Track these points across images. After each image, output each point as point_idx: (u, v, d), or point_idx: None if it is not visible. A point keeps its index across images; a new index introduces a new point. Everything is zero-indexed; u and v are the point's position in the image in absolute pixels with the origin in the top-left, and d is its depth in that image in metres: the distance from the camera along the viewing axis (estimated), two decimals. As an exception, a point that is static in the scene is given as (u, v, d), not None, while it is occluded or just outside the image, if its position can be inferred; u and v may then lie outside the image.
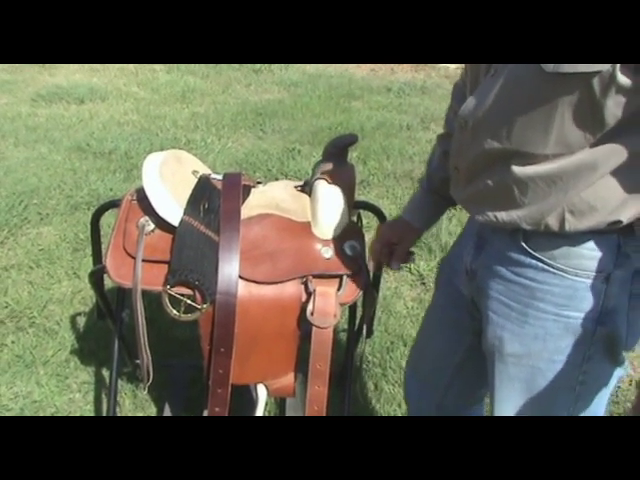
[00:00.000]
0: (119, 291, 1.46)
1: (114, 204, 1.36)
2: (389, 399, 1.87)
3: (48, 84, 4.41)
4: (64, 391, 1.87)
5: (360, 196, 2.55)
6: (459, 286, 1.11)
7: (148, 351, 1.28)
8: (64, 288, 2.29)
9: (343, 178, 1.28)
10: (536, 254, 0.90)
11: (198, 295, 1.19)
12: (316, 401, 1.23)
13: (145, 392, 1.83)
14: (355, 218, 1.39)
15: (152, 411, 1.82)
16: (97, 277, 1.38)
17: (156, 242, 1.22)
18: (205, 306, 1.18)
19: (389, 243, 1.22)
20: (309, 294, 1.21)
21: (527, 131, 0.82)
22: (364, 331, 1.65)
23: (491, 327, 1.00)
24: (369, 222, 2.29)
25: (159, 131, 3.68)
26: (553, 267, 0.89)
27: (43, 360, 1.96)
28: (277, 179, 3.03)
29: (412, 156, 3.40)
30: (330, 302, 1.21)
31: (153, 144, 3.45)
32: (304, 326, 1.24)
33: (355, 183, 1.31)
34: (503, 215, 0.90)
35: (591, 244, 0.86)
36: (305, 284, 1.22)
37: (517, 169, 0.85)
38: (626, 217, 0.83)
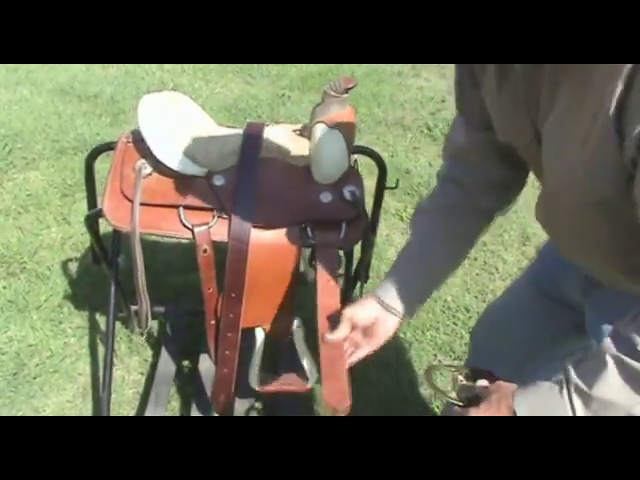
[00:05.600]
0: (114, 235, 1.45)
1: (109, 147, 1.34)
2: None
3: (27, 24, 4.24)
4: (59, 335, 1.87)
5: (352, 143, 2.53)
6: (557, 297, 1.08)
7: (147, 295, 1.29)
8: (54, 234, 2.27)
9: (343, 122, 1.26)
10: None
11: None
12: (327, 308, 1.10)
13: (143, 338, 1.85)
14: (352, 163, 1.37)
15: (147, 355, 1.83)
16: (92, 221, 1.37)
17: (155, 185, 1.20)
18: None
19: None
20: (309, 239, 1.21)
21: None
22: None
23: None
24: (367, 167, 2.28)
25: (145, 74, 3.57)
26: None
27: (36, 305, 1.96)
28: (267, 125, 2.98)
29: (403, 103, 3.35)
30: (330, 247, 1.21)
31: (139, 88, 3.35)
32: (302, 271, 1.24)
33: (355, 127, 1.29)
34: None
35: None
36: (304, 229, 1.22)
37: None
38: None
